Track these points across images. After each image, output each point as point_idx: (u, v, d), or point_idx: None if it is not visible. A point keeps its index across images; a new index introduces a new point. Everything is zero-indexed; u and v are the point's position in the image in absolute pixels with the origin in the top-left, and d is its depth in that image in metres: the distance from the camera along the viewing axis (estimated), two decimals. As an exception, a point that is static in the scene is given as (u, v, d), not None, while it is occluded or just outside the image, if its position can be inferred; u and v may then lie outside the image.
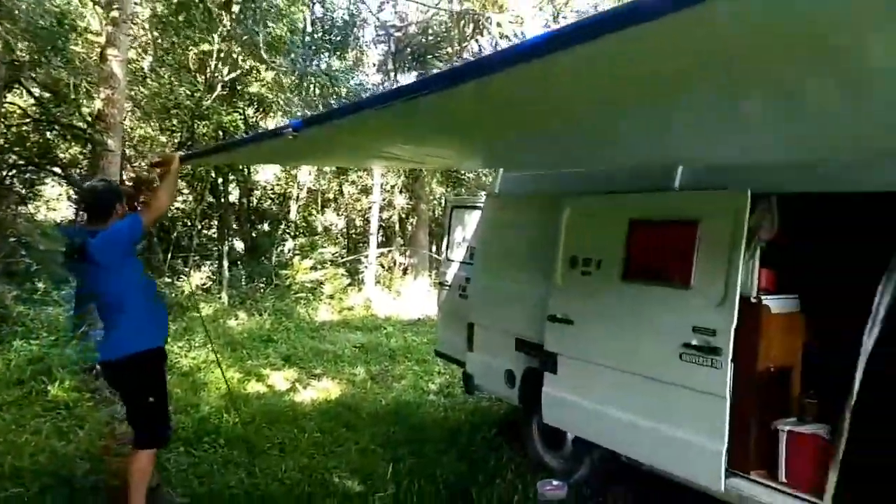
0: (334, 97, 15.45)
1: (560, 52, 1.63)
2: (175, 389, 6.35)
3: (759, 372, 3.60)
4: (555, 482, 4.48)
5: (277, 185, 18.19)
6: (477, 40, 13.98)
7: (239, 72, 13.05)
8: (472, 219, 6.44)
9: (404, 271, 16.38)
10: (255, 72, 13.81)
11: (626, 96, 2.20)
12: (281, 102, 14.63)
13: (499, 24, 12.10)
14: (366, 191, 18.43)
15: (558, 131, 2.95)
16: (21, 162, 13.91)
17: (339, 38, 15.06)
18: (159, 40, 12.10)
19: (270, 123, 14.95)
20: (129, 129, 11.92)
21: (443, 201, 18.48)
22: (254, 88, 13.99)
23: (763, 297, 3.66)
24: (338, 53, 15.68)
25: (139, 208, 4.02)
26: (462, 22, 12.99)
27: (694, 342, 3.58)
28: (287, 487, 4.35)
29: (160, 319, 4.00)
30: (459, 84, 2.05)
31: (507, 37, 12.45)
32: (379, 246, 16.61)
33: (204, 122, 12.72)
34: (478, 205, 6.39)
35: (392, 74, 15.31)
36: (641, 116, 2.49)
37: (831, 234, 4.03)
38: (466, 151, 4.53)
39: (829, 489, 3.21)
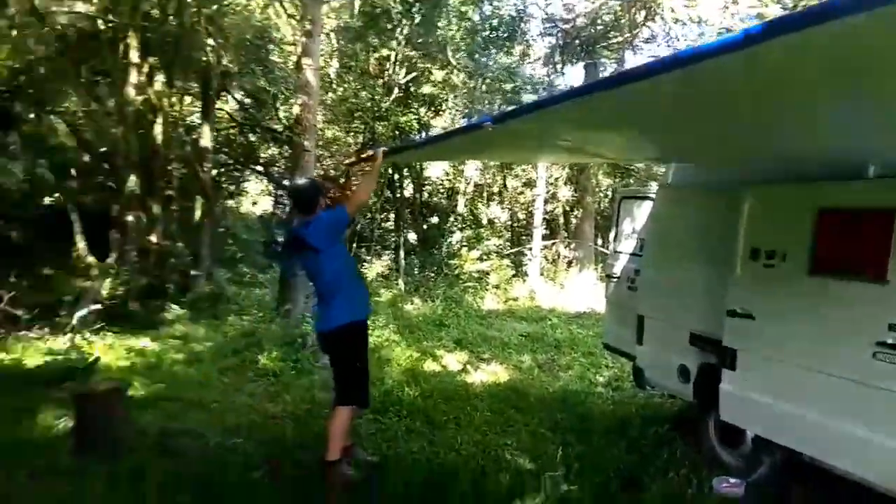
0: (499, 93, 15.84)
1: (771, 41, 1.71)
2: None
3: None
4: (732, 480, 4.37)
5: (446, 179, 18.98)
6: (649, 26, 13.52)
7: (414, 74, 13.83)
8: (642, 209, 6.36)
9: (568, 264, 16.35)
10: (427, 73, 14.56)
11: (830, 86, 2.18)
12: (450, 102, 15.28)
13: (672, 10, 11.63)
14: (529, 184, 18.61)
15: (749, 124, 2.94)
16: (229, 161, 15.96)
17: (506, 35, 15.38)
18: (344, 48, 13.22)
19: (440, 122, 15.69)
20: (320, 132, 13.18)
21: (609, 193, 18.14)
22: (426, 89, 14.76)
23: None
24: (505, 49, 16.02)
25: (329, 202, 4.54)
26: (633, 9, 12.66)
27: (890, 340, 3.35)
28: (463, 458, 4.69)
29: (364, 296, 4.52)
30: (655, 76, 2.18)
31: (680, 21, 11.92)
32: (543, 238, 16.74)
33: (382, 123, 13.69)
34: (649, 195, 6.31)
35: (559, 67, 15.32)
36: (841, 106, 2.43)
37: None
38: (648, 144, 4.55)
39: None
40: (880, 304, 3.48)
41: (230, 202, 17.26)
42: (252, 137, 15.82)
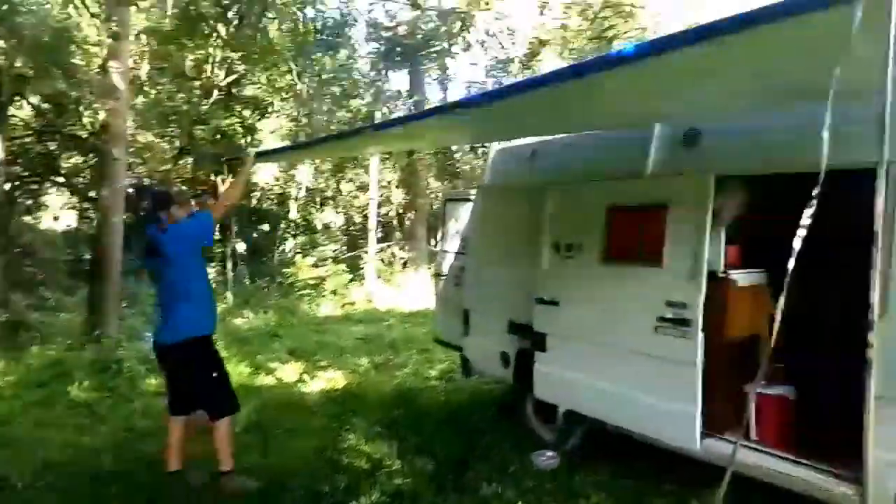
0: (328, 96, 15.77)
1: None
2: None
3: (728, 340, 3.91)
4: (548, 453, 4.80)
5: (276, 185, 18.49)
6: (464, 37, 14.28)
7: (235, 76, 13.32)
8: (466, 210, 6.74)
9: (404, 265, 16.70)
10: (249, 75, 14.08)
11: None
12: (276, 104, 14.91)
13: (486, 22, 12.44)
14: (363, 188, 18.72)
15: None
16: (25, 173, 14.21)
17: (331, 38, 15.36)
18: (156, 48, 12.38)
19: (267, 124, 15.26)
20: (130, 137, 12.22)
21: (439, 195, 18.79)
22: (249, 91, 14.28)
23: (730, 272, 3.98)
24: (331, 53, 15.98)
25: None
26: (449, 19, 13.29)
27: (667, 315, 3.90)
28: (300, 466, 4.67)
29: (213, 310, 4.43)
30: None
31: (493, 34, 12.80)
32: (378, 241, 16.93)
33: (202, 127, 13.01)
34: (470, 197, 6.70)
35: (384, 72, 15.62)
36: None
37: (794, 210, 4.33)
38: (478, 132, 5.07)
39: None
40: (658, 285, 4.03)
41: (27, 218, 15.38)
42: (52, 146, 14.23)
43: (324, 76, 15.60)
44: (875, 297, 3.07)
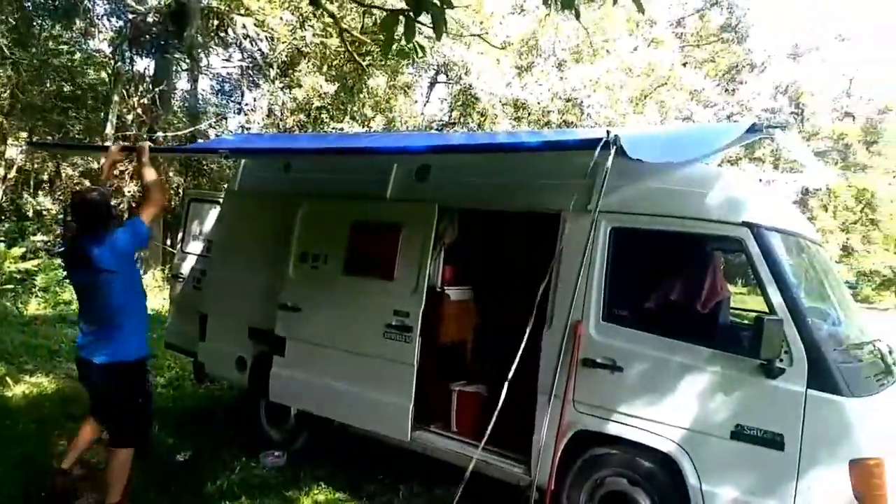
0: (52, 67, 14.00)
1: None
2: None
3: (441, 345, 4.65)
4: (276, 452, 5.08)
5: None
6: (221, 36, 13.84)
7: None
8: (211, 212, 6.66)
9: (133, 264, 15.37)
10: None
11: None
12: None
13: (244, 26, 12.27)
14: (88, 174, 16.82)
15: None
16: None
17: (62, 7, 13.64)
18: None
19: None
20: None
21: (180, 192, 17.66)
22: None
23: (445, 288, 4.72)
24: (62, 22, 14.17)
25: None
26: (208, 15, 12.82)
27: (394, 322, 4.48)
28: (9, 473, 4.30)
29: (147, 326, 4.12)
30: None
31: (250, 38, 12.68)
32: (104, 236, 15.33)
33: None
34: (217, 199, 6.65)
35: (127, 55, 14.38)
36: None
37: (497, 240, 5.30)
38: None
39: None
40: (388, 296, 4.59)
41: None
42: None
43: (51, 46, 13.79)
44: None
